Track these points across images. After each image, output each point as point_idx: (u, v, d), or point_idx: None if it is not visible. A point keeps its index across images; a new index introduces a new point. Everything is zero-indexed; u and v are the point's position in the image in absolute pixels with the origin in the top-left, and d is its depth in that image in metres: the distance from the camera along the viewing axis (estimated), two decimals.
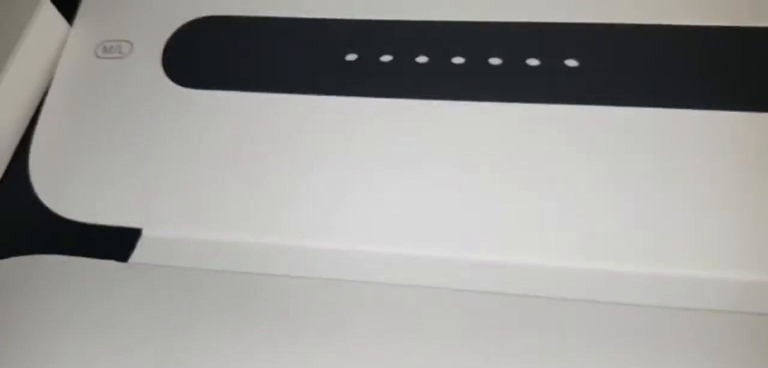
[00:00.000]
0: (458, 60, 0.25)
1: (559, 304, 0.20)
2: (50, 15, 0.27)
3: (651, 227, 0.21)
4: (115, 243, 0.23)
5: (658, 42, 0.25)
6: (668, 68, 0.24)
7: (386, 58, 0.25)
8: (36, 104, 0.26)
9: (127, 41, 0.27)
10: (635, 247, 0.20)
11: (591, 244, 0.21)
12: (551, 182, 0.22)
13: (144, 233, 0.23)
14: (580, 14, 0.25)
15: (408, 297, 0.20)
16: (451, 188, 0.22)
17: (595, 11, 0.25)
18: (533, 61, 0.25)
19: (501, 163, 0.22)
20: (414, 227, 0.22)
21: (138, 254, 0.22)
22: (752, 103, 0.23)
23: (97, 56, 0.27)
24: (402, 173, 0.23)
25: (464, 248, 0.21)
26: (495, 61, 0.25)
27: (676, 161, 0.22)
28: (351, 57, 0.26)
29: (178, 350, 0.20)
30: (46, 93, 0.26)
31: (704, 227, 0.21)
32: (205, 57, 0.26)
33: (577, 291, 0.20)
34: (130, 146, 0.25)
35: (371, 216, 0.22)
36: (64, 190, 0.24)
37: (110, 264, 0.22)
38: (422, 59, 0.25)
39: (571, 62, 0.24)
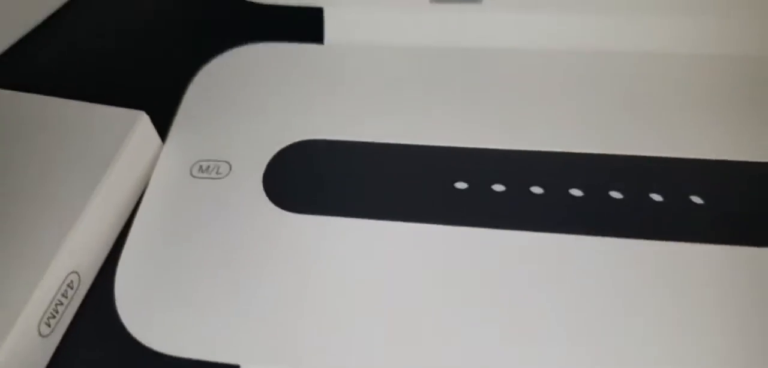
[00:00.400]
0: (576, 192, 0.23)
1: None
2: (145, 129, 0.25)
3: None
4: None
5: None
6: None
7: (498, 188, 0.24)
8: (121, 227, 0.24)
9: (225, 161, 0.25)
10: None
11: None
12: None
13: None
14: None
15: None
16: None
17: None
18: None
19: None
20: None
21: None
22: None
23: (192, 176, 0.25)
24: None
25: None
26: (615, 195, 0.23)
27: None
28: (461, 186, 0.24)
29: None
30: (133, 214, 0.25)
31: None
32: (309, 180, 0.25)
33: None
34: (227, 273, 0.22)
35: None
36: (151, 318, 0.22)
37: None
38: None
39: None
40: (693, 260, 0.21)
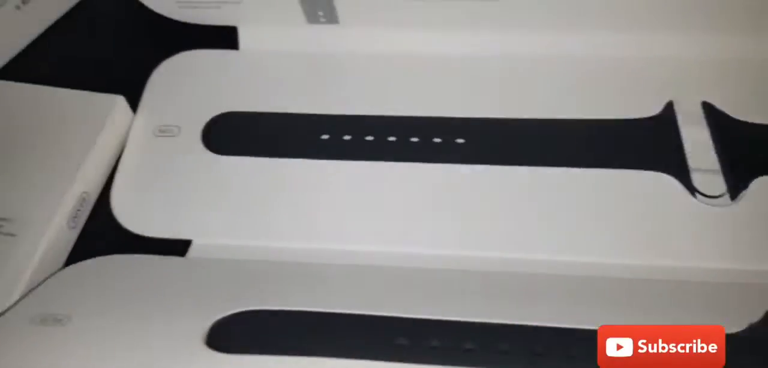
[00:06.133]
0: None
1: None
2: (123, 108, 0.40)
3: None
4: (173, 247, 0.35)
5: None
6: None
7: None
8: (112, 166, 0.39)
9: (176, 126, 0.40)
10: None
11: None
12: None
13: (193, 242, 0.35)
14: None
15: None
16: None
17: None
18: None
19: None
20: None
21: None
22: None
23: (155, 136, 0.40)
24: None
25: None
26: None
27: None
28: (324, 137, 0.39)
29: None
30: (119, 158, 0.39)
31: None
32: (229, 136, 0.40)
33: None
34: (179, 189, 0.37)
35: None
36: (135, 216, 0.36)
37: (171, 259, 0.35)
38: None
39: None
40: None
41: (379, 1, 0.40)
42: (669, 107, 0.38)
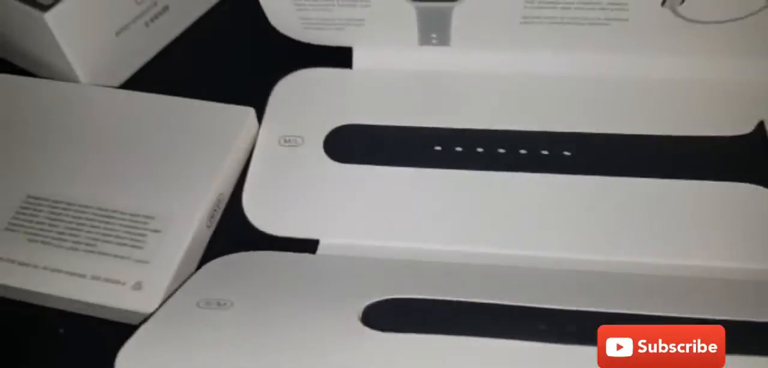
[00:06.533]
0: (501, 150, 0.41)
1: None
2: (252, 118, 0.43)
3: None
4: (300, 246, 0.38)
5: None
6: None
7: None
8: (241, 171, 0.42)
9: (300, 136, 0.43)
10: None
11: None
12: None
13: (321, 241, 0.38)
14: None
15: None
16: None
17: None
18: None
19: None
20: None
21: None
22: None
23: (280, 145, 0.43)
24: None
25: None
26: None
27: None
28: (437, 148, 0.42)
29: None
30: (247, 165, 0.42)
31: None
32: (349, 146, 0.42)
33: None
34: (304, 193, 0.40)
35: None
36: (264, 216, 0.39)
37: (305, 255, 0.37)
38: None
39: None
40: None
41: (495, 25, 0.42)
42: (761, 126, 0.40)
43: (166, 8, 0.49)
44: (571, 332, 0.29)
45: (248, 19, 0.47)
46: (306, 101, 0.45)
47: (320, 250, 0.38)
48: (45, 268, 0.36)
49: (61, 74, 0.46)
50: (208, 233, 0.39)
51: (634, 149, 0.41)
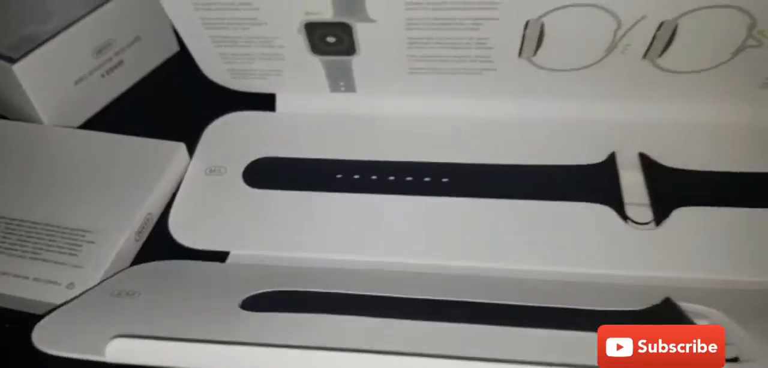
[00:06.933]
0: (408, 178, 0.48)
1: None
2: (183, 152, 0.51)
3: None
4: (214, 257, 0.45)
5: None
6: None
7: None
8: (171, 196, 0.49)
9: (223, 166, 0.50)
10: None
11: None
12: None
13: (231, 252, 0.45)
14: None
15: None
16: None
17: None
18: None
19: None
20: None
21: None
22: None
23: (206, 174, 0.50)
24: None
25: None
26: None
27: None
28: (339, 176, 0.49)
29: None
30: (176, 191, 0.49)
31: None
32: (265, 175, 0.50)
33: None
34: (222, 215, 0.47)
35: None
36: (186, 233, 0.46)
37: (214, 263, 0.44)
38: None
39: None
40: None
41: (388, 75, 0.50)
42: (612, 156, 0.48)
43: (121, 63, 0.58)
44: (426, 311, 0.36)
45: (194, 72, 0.55)
46: (233, 138, 0.53)
47: (229, 260, 0.45)
48: None
49: (28, 116, 0.54)
50: (136, 246, 0.46)
51: (504, 175, 0.48)
